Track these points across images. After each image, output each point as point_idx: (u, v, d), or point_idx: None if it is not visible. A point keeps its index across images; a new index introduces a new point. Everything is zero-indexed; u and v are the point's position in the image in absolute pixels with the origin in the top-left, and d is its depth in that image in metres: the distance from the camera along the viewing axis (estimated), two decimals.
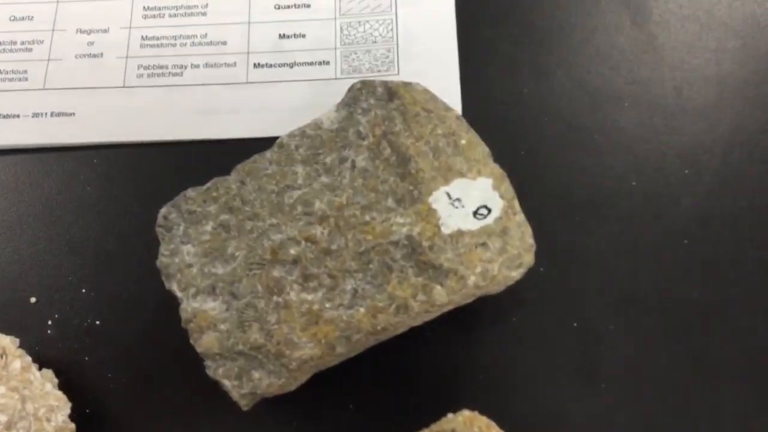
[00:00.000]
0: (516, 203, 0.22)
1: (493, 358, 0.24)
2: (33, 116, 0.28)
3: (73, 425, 0.23)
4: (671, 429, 0.23)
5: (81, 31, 0.29)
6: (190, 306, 0.22)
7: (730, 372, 0.24)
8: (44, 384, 0.23)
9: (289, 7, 0.29)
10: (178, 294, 0.22)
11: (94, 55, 0.28)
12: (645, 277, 0.25)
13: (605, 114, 0.27)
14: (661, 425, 0.23)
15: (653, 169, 0.26)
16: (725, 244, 0.25)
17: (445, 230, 0.21)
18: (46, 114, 0.28)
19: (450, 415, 0.20)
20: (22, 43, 0.29)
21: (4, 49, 0.29)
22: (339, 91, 0.25)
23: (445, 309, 0.22)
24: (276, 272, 0.22)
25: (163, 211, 0.23)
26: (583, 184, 0.26)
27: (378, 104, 0.23)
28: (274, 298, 0.21)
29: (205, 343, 0.21)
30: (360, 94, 0.24)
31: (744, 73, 0.27)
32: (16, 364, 0.23)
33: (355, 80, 0.24)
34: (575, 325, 0.24)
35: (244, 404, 0.22)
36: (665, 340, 0.24)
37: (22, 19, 0.29)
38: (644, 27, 0.28)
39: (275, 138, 0.23)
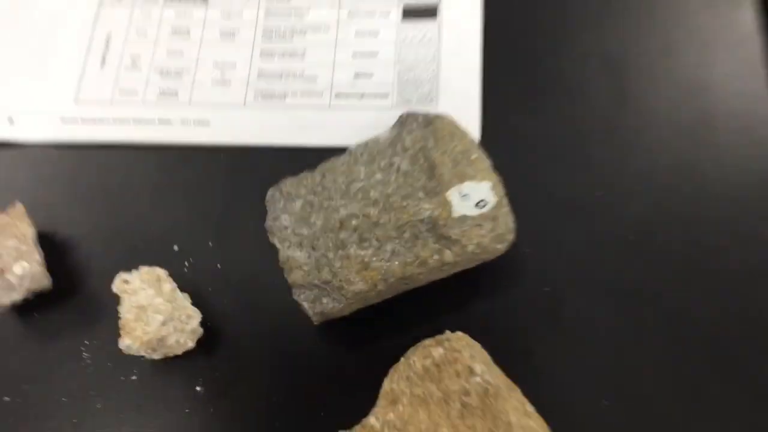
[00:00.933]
0: (505, 200, 0.33)
1: (486, 310, 0.35)
2: (181, 123, 0.40)
3: (202, 329, 0.34)
4: (608, 362, 0.33)
5: (216, 65, 0.41)
6: (285, 253, 0.33)
7: (654, 328, 0.34)
8: (184, 301, 0.35)
9: (363, 55, 0.40)
10: (278, 245, 0.33)
11: (225, 82, 0.40)
12: (600, 256, 0.35)
13: (583, 143, 0.37)
14: (601, 361, 0.33)
15: (616, 185, 0.36)
16: (664, 236, 0.35)
17: (455, 215, 0.32)
18: (189, 122, 0.40)
19: (447, 332, 0.31)
20: (175, 71, 0.41)
21: (162, 75, 0.41)
22: (393, 117, 0.36)
23: (453, 270, 0.33)
24: (342, 235, 0.33)
25: (270, 191, 0.34)
26: (562, 191, 0.36)
27: (418, 128, 0.34)
28: (339, 251, 0.32)
29: (293, 277, 0.33)
30: (407, 121, 0.35)
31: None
32: (167, 286, 0.34)
33: (404, 110, 0.35)
34: (546, 289, 0.35)
35: (316, 320, 0.33)
36: (615, 304, 0.34)
37: (176, 54, 0.41)
38: (616, 77, 0.38)
39: (346, 148, 0.35)
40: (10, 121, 0.40)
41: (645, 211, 0.36)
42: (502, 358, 0.31)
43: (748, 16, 0.39)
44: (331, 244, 0.33)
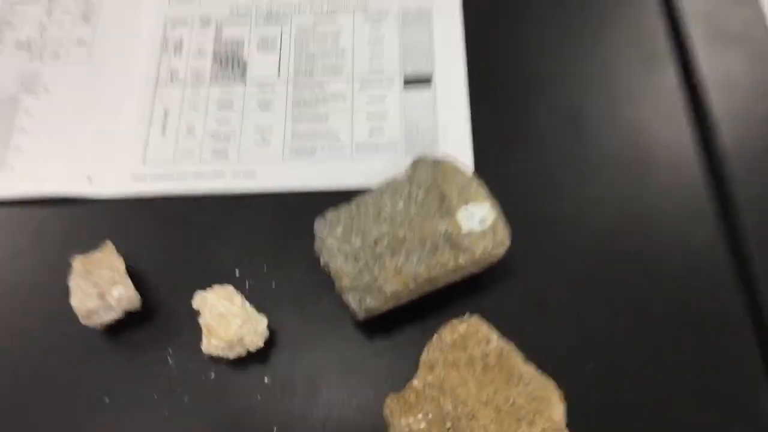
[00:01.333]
0: (501, 216, 0.43)
1: (490, 301, 0.44)
2: (232, 176, 0.49)
3: (268, 331, 0.43)
4: (582, 338, 0.43)
5: (257, 129, 0.51)
6: (335, 266, 0.42)
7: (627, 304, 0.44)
8: (252, 309, 0.43)
9: (375, 116, 0.51)
10: (328, 260, 0.43)
11: (265, 142, 0.50)
12: (574, 257, 0.45)
13: (553, 174, 0.48)
14: (577, 337, 0.43)
15: (580, 205, 0.47)
16: (620, 242, 0.46)
17: (464, 230, 0.42)
18: (239, 174, 0.49)
19: (455, 321, 0.40)
20: (224, 135, 0.51)
21: (214, 138, 0.51)
22: (403, 163, 0.46)
23: (465, 272, 0.42)
24: (377, 250, 0.42)
25: (317, 220, 0.44)
26: (541, 209, 0.47)
27: (429, 168, 0.45)
28: (377, 261, 0.42)
29: (342, 283, 0.42)
30: (419, 163, 0.45)
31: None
32: (237, 299, 0.43)
33: (414, 156, 0.46)
34: (533, 284, 0.45)
35: (362, 317, 0.42)
36: (588, 294, 0.44)
37: (223, 122, 0.51)
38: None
39: (367, 189, 0.45)
40: (89, 180, 0.49)
41: (604, 224, 0.46)
42: (503, 334, 0.41)
43: (672, 76, 0.51)
44: (370, 257, 0.42)
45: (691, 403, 0.41)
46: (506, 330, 0.41)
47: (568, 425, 0.38)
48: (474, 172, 0.48)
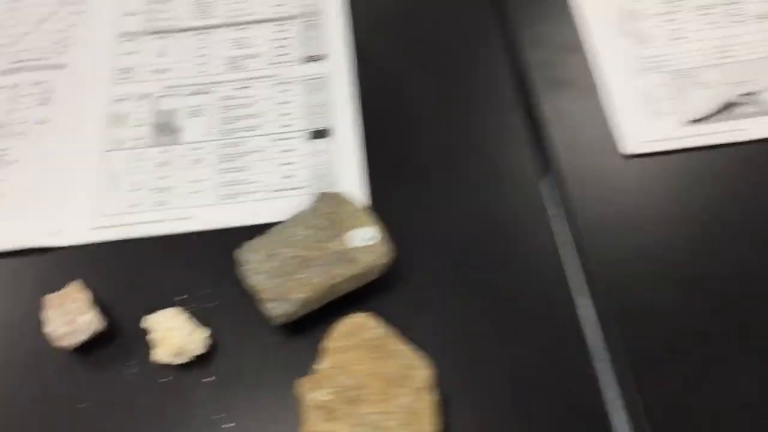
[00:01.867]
0: (385, 235, 0.55)
1: (383, 298, 0.56)
2: (174, 219, 0.61)
3: (210, 340, 0.55)
4: (449, 317, 0.55)
5: (191, 181, 0.63)
6: (254, 282, 0.54)
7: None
8: (195, 323, 0.55)
9: (286, 164, 0.63)
10: (250, 278, 0.54)
11: (199, 191, 0.62)
12: (447, 266, 0.58)
13: (432, 201, 0.61)
14: (445, 318, 0.55)
15: (449, 224, 0.60)
16: (475, 257, 0.58)
17: (353, 247, 0.54)
18: (179, 217, 0.61)
19: (347, 318, 0.52)
20: (165, 188, 0.62)
21: (157, 191, 0.62)
22: (309, 199, 0.58)
23: (360, 280, 0.54)
24: (288, 268, 0.54)
25: (237, 251, 0.56)
26: (424, 226, 0.59)
27: (327, 201, 0.57)
28: (289, 276, 0.54)
29: (261, 295, 0.54)
30: (320, 198, 0.57)
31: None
32: (181, 316, 0.55)
33: (317, 193, 0.58)
34: (416, 284, 0.57)
35: (279, 322, 0.54)
36: (454, 291, 0.57)
37: (164, 178, 0.63)
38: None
39: (282, 221, 0.57)
40: (51, 233, 0.61)
41: (469, 237, 0.59)
42: (394, 326, 0.53)
43: (518, 115, 0.65)
44: (282, 274, 0.54)
45: (533, 374, 0.54)
46: (395, 323, 0.53)
47: (445, 394, 0.50)
48: (367, 202, 0.60)
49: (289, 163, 0.63)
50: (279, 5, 0.71)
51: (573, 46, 0.68)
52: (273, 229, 0.57)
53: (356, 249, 0.54)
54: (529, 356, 0.54)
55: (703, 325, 0.54)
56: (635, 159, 0.61)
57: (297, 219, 0.57)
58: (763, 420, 0.50)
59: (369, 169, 0.63)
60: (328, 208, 0.57)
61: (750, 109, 0.62)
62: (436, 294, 0.57)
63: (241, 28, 0.70)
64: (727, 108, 0.63)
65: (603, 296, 0.56)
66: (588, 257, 0.57)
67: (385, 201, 0.61)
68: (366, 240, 0.55)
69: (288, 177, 0.62)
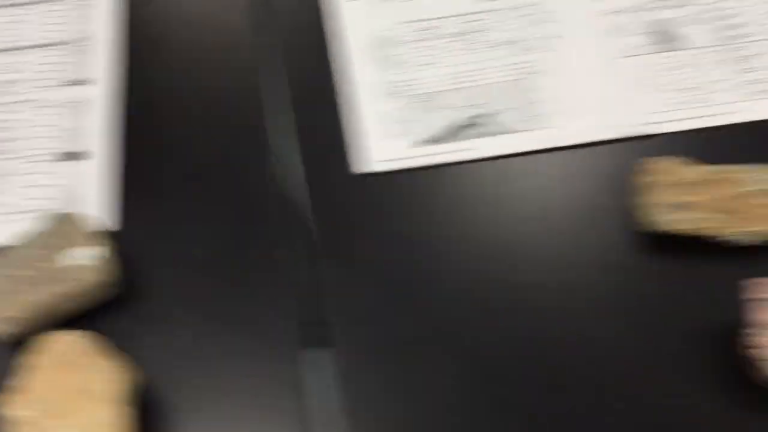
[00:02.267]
0: (112, 255, 0.57)
1: (111, 317, 0.58)
2: None
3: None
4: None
5: None
6: None
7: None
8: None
9: (30, 188, 0.64)
10: None
11: None
12: (188, 281, 0.60)
13: (186, 213, 0.63)
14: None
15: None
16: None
17: (71, 264, 0.56)
18: None
19: (50, 335, 0.54)
20: None
21: None
22: (41, 220, 0.60)
23: (83, 300, 0.56)
24: (7, 287, 0.56)
25: None
26: (178, 244, 0.62)
27: (56, 222, 0.59)
28: (12, 296, 0.55)
29: None
30: (50, 219, 0.59)
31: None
32: None
33: (47, 214, 0.60)
34: (154, 304, 0.59)
35: (6, 338, 0.55)
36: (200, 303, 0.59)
37: None
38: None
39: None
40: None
41: (206, 258, 0.62)
42: (119, 342, 0.55)
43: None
44: (9, 292, 0.55)
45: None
46: (122, 340, 0.55)
47: (164, 408, 0.52)
48: (107, 224, 0.62)
49: (33, 186, 0.64)
50: (50, 31, 0.73)
51: (330, 69, 0.71)
52: (6, 250, 0.58)
53: (77, 268, 0.56)
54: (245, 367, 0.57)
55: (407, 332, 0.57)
56: (370, 177, 0.65)
57: (24, 240, 0.58)
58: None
59: (124, 192, 0.65)
60: (55, 228, 0.58)
61: (483, 129, 0.66)
62: (171, 313, 0.59)
63: (10, 53, 0.72)
64: (462, 129, 0.67)
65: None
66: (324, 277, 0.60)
67: (136, 222, 0.63)
68: (88, 259, 0.57)
69: (31, 199, 0.64)
